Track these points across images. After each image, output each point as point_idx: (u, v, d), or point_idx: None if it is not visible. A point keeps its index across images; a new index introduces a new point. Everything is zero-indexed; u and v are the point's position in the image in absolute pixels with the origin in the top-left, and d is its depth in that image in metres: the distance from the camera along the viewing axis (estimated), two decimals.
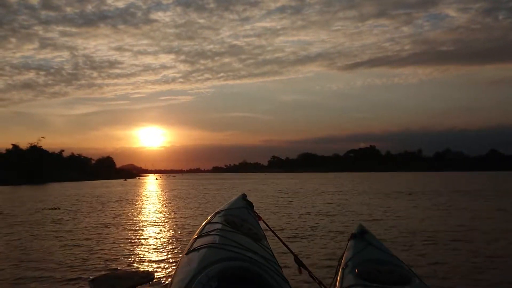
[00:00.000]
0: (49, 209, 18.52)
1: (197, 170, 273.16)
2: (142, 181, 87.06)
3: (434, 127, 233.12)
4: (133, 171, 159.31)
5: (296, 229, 11.80)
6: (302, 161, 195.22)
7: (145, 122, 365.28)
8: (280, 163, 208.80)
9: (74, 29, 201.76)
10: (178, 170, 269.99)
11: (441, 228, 11.48)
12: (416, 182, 48.01)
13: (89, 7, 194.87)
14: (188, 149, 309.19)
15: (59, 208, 18.69)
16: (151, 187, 48.23)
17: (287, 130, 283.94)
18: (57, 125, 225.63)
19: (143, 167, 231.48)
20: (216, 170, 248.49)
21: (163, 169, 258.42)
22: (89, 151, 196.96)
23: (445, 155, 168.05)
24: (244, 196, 4.66)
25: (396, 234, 10.59)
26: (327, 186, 40.65)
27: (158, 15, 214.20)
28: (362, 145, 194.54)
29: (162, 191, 38.68)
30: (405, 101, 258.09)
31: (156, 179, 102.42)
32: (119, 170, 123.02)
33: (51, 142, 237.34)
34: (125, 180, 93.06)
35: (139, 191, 39.17)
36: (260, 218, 4.36)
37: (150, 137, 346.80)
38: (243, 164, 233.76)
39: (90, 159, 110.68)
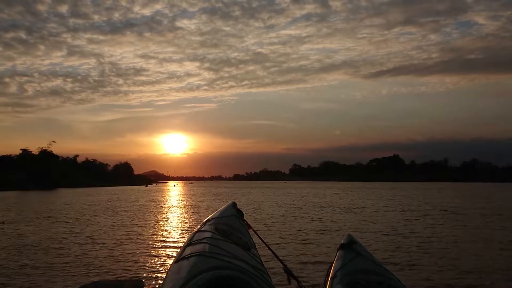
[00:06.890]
0: None
1: (219, 178, 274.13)
2: (160, 187, 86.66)
3: (461, 137, 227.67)
4: (152, 178, 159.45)
5: (293, 240, 11.34)
6: (324, 169, 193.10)
7: (169, 129, 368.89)
8: (301, 172, 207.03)
9: (101, 37, 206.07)
10: (199, 177, 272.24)
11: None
12: (446, 195, 43.38)
13: (116, 15, 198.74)
14: (210, 156, 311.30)
15: (3, 223, 16.38)
16: (154, 194, 47.09)
17: (309, 138, 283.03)
18: (83, 131, 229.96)
19: (165, 174, 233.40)
20: (237, 177, 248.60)
21: (184, 176, 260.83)
22: (113, 157, 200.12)
23: (472, 165, 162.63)
24: (234, 205, 4.64)
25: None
26: (347, 198, 38.08)
27: (184, 23, 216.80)
28: (386, 154, 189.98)
29: (162, 200, 36.94)
30: (431, 110, 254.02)
31: (174, 185, 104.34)
32: (138, 176, 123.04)
33: (76, 147, 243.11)
34: (146, 186, 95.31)
35: (134, 199, 37.21)
36: (250, 227, 4.33)
37: (173, 144, 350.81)
38: (264, 172, 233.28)
39: (107, 164, 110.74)
